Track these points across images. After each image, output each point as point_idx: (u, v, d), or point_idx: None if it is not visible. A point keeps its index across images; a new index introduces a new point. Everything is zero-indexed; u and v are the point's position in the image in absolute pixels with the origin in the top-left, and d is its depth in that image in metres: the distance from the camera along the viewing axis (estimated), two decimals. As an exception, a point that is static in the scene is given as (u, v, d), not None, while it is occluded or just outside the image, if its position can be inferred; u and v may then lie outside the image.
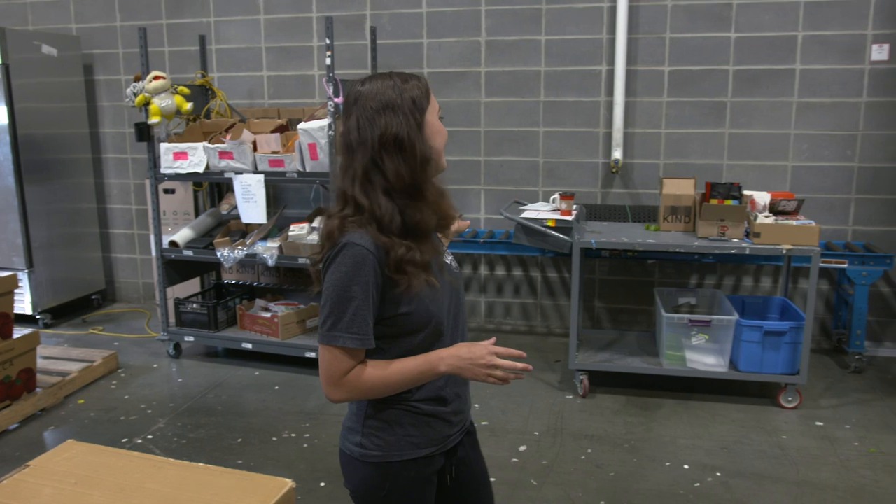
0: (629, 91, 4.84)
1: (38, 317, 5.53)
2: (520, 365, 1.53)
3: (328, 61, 4.10)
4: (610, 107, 4.88)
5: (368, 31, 5.01)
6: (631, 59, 4.80)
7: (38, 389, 4.15)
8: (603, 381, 4.31)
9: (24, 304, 5.46)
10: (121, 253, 6.17)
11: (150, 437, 3.80)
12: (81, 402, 4.27)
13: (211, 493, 1.01)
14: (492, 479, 3.25)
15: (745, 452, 3.53)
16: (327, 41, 4.09)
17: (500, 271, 5.36)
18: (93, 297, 6.06)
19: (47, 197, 5.55)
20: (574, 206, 4.29)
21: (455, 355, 1.53)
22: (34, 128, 5.36)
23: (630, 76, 4.82)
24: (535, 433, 3.76)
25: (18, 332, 4.08)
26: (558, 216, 4.15)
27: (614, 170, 4.89)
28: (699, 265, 4.94)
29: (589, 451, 3.56)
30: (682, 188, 4.19)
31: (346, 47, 5.16)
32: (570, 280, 4.80)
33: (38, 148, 5.42)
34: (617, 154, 4.87)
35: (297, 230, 4.47)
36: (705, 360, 4.06)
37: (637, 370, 4.17)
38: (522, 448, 3.60)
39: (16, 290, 5.28)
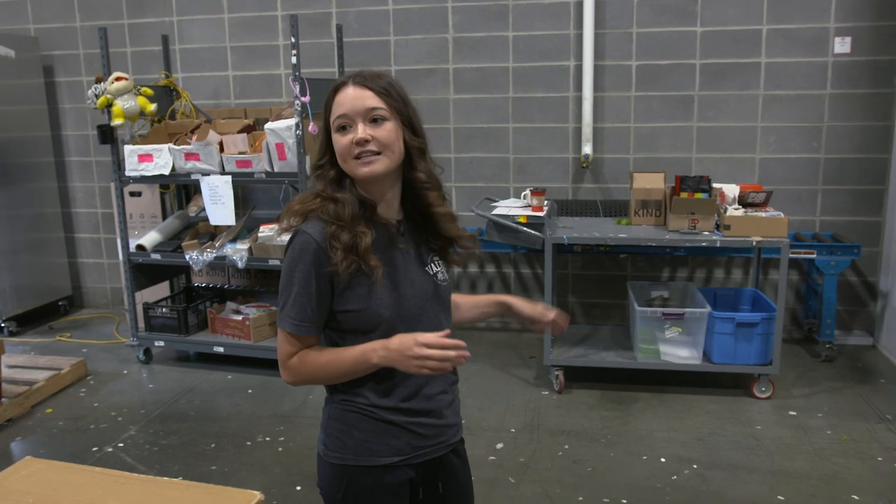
0: (597, 86, 4.85)
1: (2, 325, 5.41)
2: (452, 353, 1.46)
3: (294, 60, 4.04)
4: (579, 102, 4.89)
5: (335, 29, 4.96)
6: (598, 54, 4.81)
7: (3, 399, 4.04)
8: (578, 376, 4.32)
9: (-14, 312, 5.34)
10: (87, 258, 6.05)
11: (121, 444, 3.73)
12: (49, 411, 4.17)
13: (177, 510, 0.98)
14: (469, 479, 3.25)
15: (720, 444, 3.55)
16: (292, 40, 4.04)
17: (472, 268, 5.35)
18: (59, 303, 5.94)
19: (9, 202, 5.41)
20: (545, 202, 4.28)
21: (385, 346, 1.50)
22: (-7, 132, 5.23)
23: (598, 71, 4.83)
24: (512, 430, 3.75)
25: (-20, 343, 3.98)
26: (530, 212, 4.15)
27: (584, 165, 4.90)
28: (671, 258, 4.97)
29: (566, 446, 3.56)
30: (652, 182, 4.21)
31: (313, 45, 5.10)
32: (543, 276, 4.79)
33: (-1, 152, 5.29)
34: (587, 149, 4.88)
35: (267, 231, 4.41)
36: (679, 352, 4.08)
37: (612, 364, 4.19)
38: (499, 446, 3.59)
39: (-22, 299, 5.18)
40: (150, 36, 5.41)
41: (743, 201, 4.05)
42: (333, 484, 1.63)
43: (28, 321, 5.64)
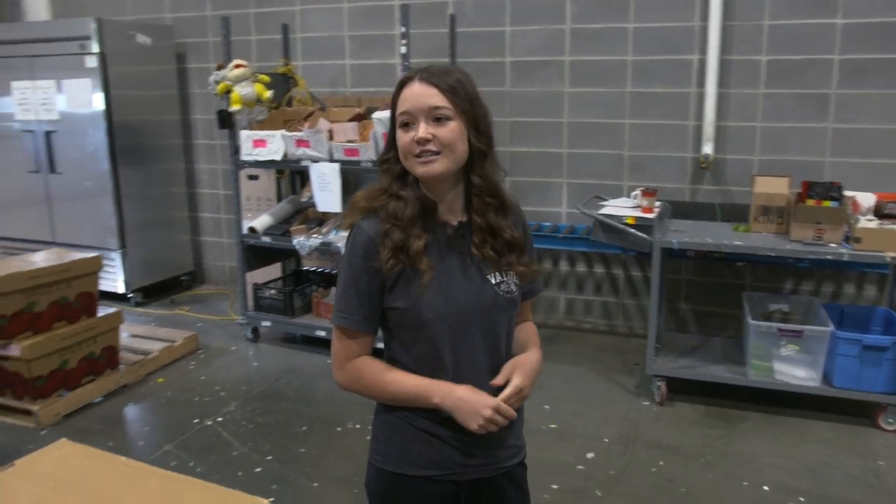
0: (722, 82, 4.55)
1: (129, 295, 5.75)
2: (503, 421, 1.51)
3: (403, 49, 4.03)
4: (701, 98, 4.61)
5: (448, 19, 4.91)
6: (725, 47, 4.51)
7: (120, 366, 4.29)
8: (683, 389, 4.08)
9: (116, 283, 5.69)
10: (209, 236, 6.34)
11: (220, 419, 3.86)
12: (161, 380, 4.39)
13: (186, 512, 0.95)
14: (553, 486, 3.14)
15: (834, 476, 3.25)
16: (402, 29, 4.02)
17: (580, 268, 5.18)
18: (182, 278, 6.26)
19: (140, 181, 5.75)
20: (657, 204, 4.07)
21: (454, 394, 1.50)
22: (128, 114, 5.55)
23: (724, 66, 4.53)
24: (605, 440, 3.60)
25: (103, 311, 4.23)
26: (639, 213, 3.95)
27: (704, 165, 4.62)
28: (794, 270, 4.62)
29: (661, 463, 3.37)
30: (775, 187, 3.91)
31: (427, 35, 5.07)
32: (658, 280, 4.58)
33: (132, 134, 5.61)
34: (707, 149, 4.59)
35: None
36: (795, 372, 3.78)
37: (719, 379, 3.93)
38: (590, 455, 3.45)
39: (110, 270, 5.54)
40: (273, 25, 5.57)
41: (879, 212, 3.69)
42: (375, 486, 1.62)
43: (153, 293, 5.97)
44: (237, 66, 4.54)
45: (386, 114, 4.23)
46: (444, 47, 4.94)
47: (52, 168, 5.66)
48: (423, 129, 1.46)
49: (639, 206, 4.03)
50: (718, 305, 4.83)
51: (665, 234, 3.91)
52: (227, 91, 4.57)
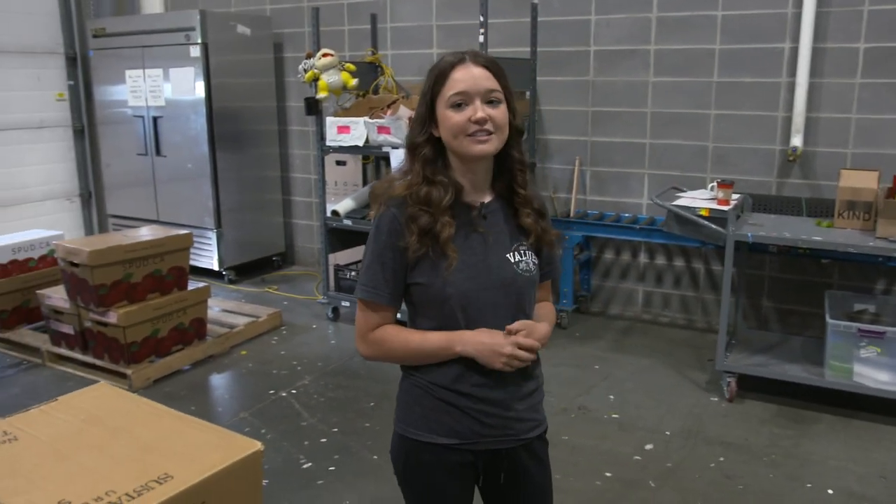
0: (815, 71, 4.36)
1: (223, 273, 6.09)
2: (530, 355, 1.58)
3: (481, 39, 4.09)
4: (791, 88, 4.43)
5: (530, 8, 4.92)
6: (819, 35, 4.32)
7: (208, 338, 4.58)
8: (755, 387, 3.97)
9: (212, 260, 6.04)
10: (300, 219, 6.62)
11: (293, 391, 4.07)
12: (244, 353, 4.65)
13: (184, 443, 1.07)
14: (606, 475, 3.15)
15: (906, 484, 3.11)
16: (481, 19, 4.08)
17: (660, 260, 5.10)
18: (273, 258, 6.57)
19: (238, 165, 6.07)
20: (734, 196, 3.96)
21: (475, 339, 1.57)
22: (228, 101, 5.86)
23: (817, 54, 4.34)
24: (667, 433, 3.56)
25: (194, 285, 4.52)
26: (714, 206, 3.86)
27: (792, 158, 4.45)
28: (886, 269, 4.39)
29: (721, 459, 3.31)
30: (862, 181, 3.73)
31: (511, 24, 5.11)
32: (737, 275, 4.46)
33: (231, 120, 5.93)
34: (796, 141, 4.42)
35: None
36: (877, 375, 3.61)
37: (794, 378, 3.80)
38: (649, 447, 3.43)
39: (206, 248, 5.89)
40: (364, 15, 5.74)
41: (976, 210, 3.46)
42: (397, 453, 1.70)
43: (245, 272, 6.30)
44: (325, 55, 4.72)
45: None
46: (526, 36, 4.96)
47: (158, 151, 6.06)
48: (481, 110, 1.53)
49: (714, 198, 3.94)
50: (802, 303, 4.65)
51: (741, 227, 3.81)
52: (315, 79, 4.76)
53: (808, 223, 3.98)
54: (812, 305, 4.59)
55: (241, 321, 4.90)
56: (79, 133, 6.77)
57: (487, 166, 1.64)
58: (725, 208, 3.82)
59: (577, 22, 5.01)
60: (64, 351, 4.33)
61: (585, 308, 5.29)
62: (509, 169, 1.65)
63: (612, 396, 3.96)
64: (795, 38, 4.39)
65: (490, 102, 1.55)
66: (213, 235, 5.96)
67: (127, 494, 0.94)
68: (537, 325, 1.61)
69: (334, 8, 5.83)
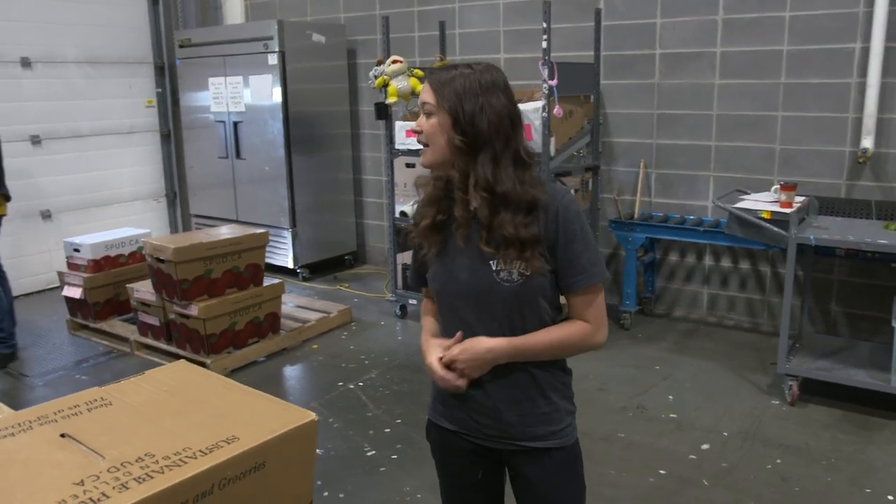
0: (887, 71, 4.28)
1: (298, 270, 6.36)
2: (449, 381, 1.64)
3: (544, 44, 4.19)
4: (862, 89, 4.37)
5: (594, 12, 4.98)
6: (892, 33, 4.24)
7: (281, 331, 4.82)
8: (820, 391, 3.94)
9: (287, 258, 6.32)
10: (371, 219, 6.84)
11: (360, 384, 4.26)
12: (315, 346, 4.88)
13: (251, 412, 1.23)
14: (660, 472, 3.21)
15: (971, 492, 3.05)
16: (544, 25, 4.17)
17: (725, 263, 5.08)
18: (345, 257, 6.81)
19: (313, 167, 6.33)
20: (798, 199, 3.94)
21: (423, 347, 1.73)
22: (303, 106, 6.13)
23: (889, 54, 4.26)
24: (724, 434, 3.58)
25: (269, 282, 4.77)
26: (776, 208, 3.85)
27: (862, 160, 4.38)
28: (962, 274, 4.27)
29: (778, 461, 3.32)
30: (932, 184, 3.66)
31: (575, 29, 5.18)
32: (804, 278, 4.43)
33: (306, 124, 6.19)
34: (867, 142, 4.35)
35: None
36: (946, 382, 3.54)
37: (858, 384, 3.75)
38: (705, 446, 3.46)
39: (282, 247, 6.17)
40: (433, 22, 5.90)
41: None
42: (426, 432, 1.87)
43: (318, 269, 6.56)
44: (394, 62, 4.90)
45: (529, 105, 4.43)
46: (590, 41, 5.03)
47: (237, 154, 6.39)
48: (417, 122, 1.63)
49: (777, 201, 3.93)
50: (873, 308, 4.56)
51: (804, 230, 3.79)
52: (385, 84, 4.95)
53: (875, 226, 3.92)
54: (882, 310, 4.50)
55: (314, 317, 5.13)
56: (165, 137, 7.18)
57: (462, 174, 1.59)
58: (788, 211, 3.81)
59: (642, 25, 5.05)
60: (150, 341, 4.65)
61: (649, 310, 5.30)
62: (483, 188, 1.56)
63: (671, 397, 4.00)
64: (867, 38, 4.32)
65: (427, 114, 1.59)
66: (288, 235, 6.24)
67: (200, 451, 1.10)
68: (476, 344, 1.60)
69: (405, 15, 6.03)
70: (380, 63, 5.00)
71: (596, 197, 5.11)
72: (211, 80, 6.41)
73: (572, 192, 1.58)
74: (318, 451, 3.50)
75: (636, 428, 3.65)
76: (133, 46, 6.84)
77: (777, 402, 3.90)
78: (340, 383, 4.27)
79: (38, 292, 6.20)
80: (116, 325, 4.96)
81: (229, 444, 1.12)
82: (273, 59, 5.91)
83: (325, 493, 3.14)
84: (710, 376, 4.26)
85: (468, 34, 5.82)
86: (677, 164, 5.11)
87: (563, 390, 1.72)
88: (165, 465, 1.06)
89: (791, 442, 3.49)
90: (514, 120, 1.59)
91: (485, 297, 1.61)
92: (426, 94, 1.59)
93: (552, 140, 4.38)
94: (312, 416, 1.24)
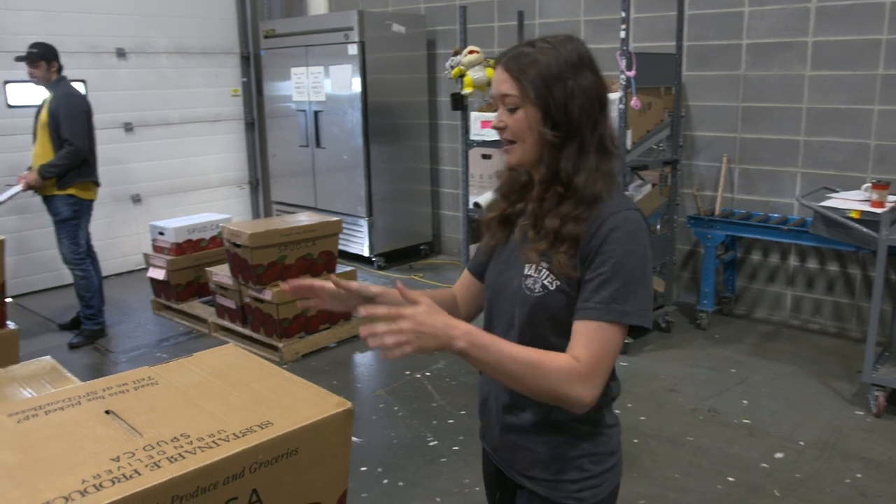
0: None
1: (373, 259, 6.44)
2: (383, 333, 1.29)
3: (622, 34, 4.08)
4: (969, 82, 4.08)
5: (677, 2, 4.82)
6: None
7: (353, 318, 4.89)
8: (909, 403, 3.72)
9: (363, 247, 6.41)
10: (447, 210, 6.85)
11: (428, 374, 4.27)
12: (385, 335, 4.92)
13: (289, 398, 1.24)
14: (729, 479, 3.10)
15: None
16: (622, 14, 4.06)
17: (811, 263, 4.85)
18: (421, 247, 6.85)
19: (391, 157, 6.39)
20: (891, 198, 3.72)
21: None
22: (382, 96, 6.19)
23: None
24: (800, 443, 3.42)
25: (341, 269, 4.84)
26: (867, 207, 3.65)
27: (966, 158, 4.10)
28: None
29: (858, 475, 3.15)
30: None
31: (656, 19, 5.03)
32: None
33: (384, 113, 6.25)
34: (972, 139, 4.06)
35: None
36: None
37: (952, 397, 3.53)
38: (778, 455, 3.32)
39: (358, 235, 6.25)
40: (513, 12, 5.84)
41: None
42: None
43: (394, 259, 6.62)
44: (471, 52, 4.88)
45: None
46: (673, 31, 4.86)
47: (318, 143, 6.51)
48: (496, 118, 1.41)
49: (868, 200, 3.71)
50: (974, 318, 4.27)
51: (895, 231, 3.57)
52: (461, 75, 4.93)
53: (978, 229, 3.65)
54: (984, 319, 4.20)
55: (384, 305, 5.18)
56: (249, 126, 7.39)
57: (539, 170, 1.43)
58: (879, 211, 3.60)
59: (728, 14, 4.85)
60: (226, 323, 4.80)
61: (728, 310, 5.12)
62: (560, 182, 1.39)
63: (745, 401, 3.85)
64: (976, 28, 4.03)
65: (509, 109, 1.38)
66: (364, 223, 6.32)
67: (234, 434, 1.12)
68: (438, 314, 1.27)
69: (484, 6, 5.99)
70: (456, 53, 4.98)
71: (675, 192, 4.96)
72: (293, 69, 6.55)
73: (639, 213, 1.37)
74: (382, 437, 3.54)
75: (706, 432, 3.53)
76: (220, 37, 7.05)
77: (861, 413, 3.70)
78: (408, 372, 4.30)
79: (128, 273, 6.49)
80: (196, 307, 5.14)
81: (263, 428, 1.14)
82: (353, 50, 5.98)
83: (385, 481, 3.17)
84: (789, 381, 4.08)
85: (548, 24, 5.73)
86: (762, 159, 4.90)
87: (597, 456, 1.48)
88: (199, 447, 1.08)
89: (873, 456, 3.30)
90: (603, 100, 1.40)
91: (511, 301, 1.45)
92: (504, 84, 1.37)
93: (629, 133, 4.27)
94: (348, 404, 1.24)
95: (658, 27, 5.06)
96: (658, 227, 4.96)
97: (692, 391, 3.95)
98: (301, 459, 1.17)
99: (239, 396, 1.25)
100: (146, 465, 1.02)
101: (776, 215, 4.83)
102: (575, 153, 1.37)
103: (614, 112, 4.21)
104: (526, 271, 1.41)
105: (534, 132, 1.36)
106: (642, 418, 3.65)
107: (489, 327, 1.52)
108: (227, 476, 1.07)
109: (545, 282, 1.38)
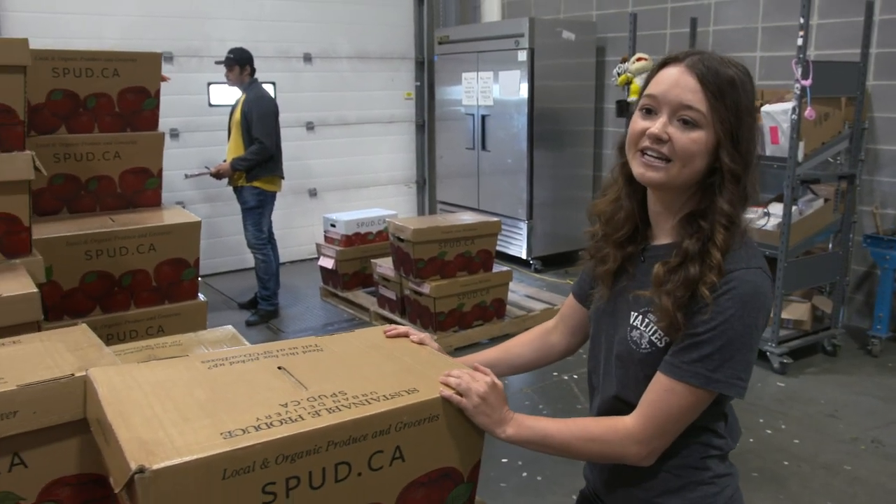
0: None
1: (530, 261, 6.55)
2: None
3: (800, 41, 3.92)
4: None
5: (865, 6, 4.53)
6: None
7: (506, 317, 5.03)
8: None
9: (521, 249, 6.53)
10: (606, 218, 6.80)
11: (575, 376, 4.32)
12: (536, 336, 5.01)
13: (436, 371, 1.37)
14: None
15: None
16: (801, 20, 3.91)
17: None
18: (579, 252, 6.80)
19: (553, 162, 6.47)
20: None
21: None
22: (548, 102, 6.28)
23: None
24: None
25: (498, 269, 4.99)
26: None
27: None
28: None
29: None
30: None
31: (841, 25, 4.75)
32: None
33: (550, 120, 6.34)
34: None
35: (751, 214, 4.41)
36: None
37: None
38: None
39: (517, 238, 6.39)
40: (686, 18, 5.72)
41: None
42: None
43: (551, 262, 6.69)
44: (639, 60, 4.87)
45: (777, 107, 4.19)
46: (857, 38, 4.58)
47: (483, 146, 6.71)
48: (660, 125, 1.21)
49: None
50: None
51: None
52: (628, 82, 4.94)
53: None
54: None
55: (539, 307, 5.28)
56: (420, 128, 7.74)
57: (674, 201, 1.29)
58: None
59: (926, 21, 4.51)
60: (386, 312, 5.08)
61: (907, 338, 4.76)
62: (709, 220, 1.23)
63: (870, 420, 3.59)
64: None
65: (684, 122, 1.20)
66: (524, 226, 6.44)
67: (384, 396, 1.27)
68: (500, 394, 1.34)
69: (657, 12, 5.92)
70: (624, 60, 4.99)
71: (851, 208, 4.67)
72: (464, 74, 6.79)
73: (763, 273, 1.22)
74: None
75: (866, 463, 3.33)
76: (398, 43, 7.44)
77: None
78: (555, 373, 4.36)
79: (302, 261, 7.01)
80: (360, 296, 5.49)
81: (409, 394, 1.28)
82: (522, 56, 6.12)
83: (524, 474, 3.27)
84: None
85: (722, 31, 5.57)
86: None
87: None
88: (354, 402, 1.24)
89: None
90: (756, 141, 1.28)
91: (610, 354, 1.36)
92: (693, 95, 1.19)
93: (801, 144, 4.09)
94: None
95: (842, 34, 4.78)
96: (830, 245, 4.71)
97: (855, 419, 3.73)
98: (440, 426, 1.30)
99: (391, 366, 1.41)
100: (309, 413, 1.19)
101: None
102: (738, 195, 1.22)
103: (786, 122, 4.06)
104: (631, 321, 1.31)
105: (706, 159, 1.22)
106: (796, 441, 3.49)
107: (594, 364, 1.46)
108: (375, 430, 1.22)
109: (653, 338, 1.28)
